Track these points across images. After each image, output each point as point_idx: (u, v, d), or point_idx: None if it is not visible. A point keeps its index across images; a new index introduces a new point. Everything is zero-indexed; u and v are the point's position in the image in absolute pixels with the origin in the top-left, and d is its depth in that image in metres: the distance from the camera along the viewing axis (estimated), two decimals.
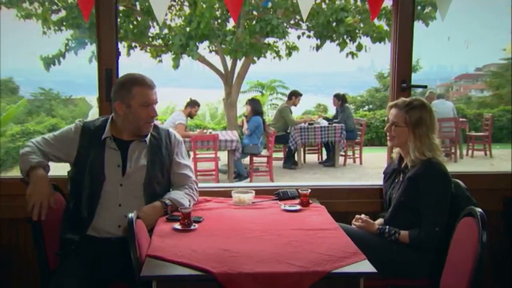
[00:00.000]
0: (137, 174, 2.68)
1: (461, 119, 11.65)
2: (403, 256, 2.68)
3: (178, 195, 2.73)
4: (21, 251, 3.10)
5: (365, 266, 2.05)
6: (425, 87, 3.28)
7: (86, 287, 2.34)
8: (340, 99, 10.31)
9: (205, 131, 8.89)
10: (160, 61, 10.80)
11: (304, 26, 10.36)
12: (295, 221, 2.63)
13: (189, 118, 8.49)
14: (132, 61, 11.36)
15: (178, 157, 2.86)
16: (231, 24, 10.29)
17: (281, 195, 3.05)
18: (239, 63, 10.94)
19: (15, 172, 9.30)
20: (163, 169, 2.78)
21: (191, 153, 7.91)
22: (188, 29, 9.10)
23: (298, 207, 2.86)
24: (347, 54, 10.24)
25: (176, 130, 7.73)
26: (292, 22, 10.61)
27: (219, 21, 9.83)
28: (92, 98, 11.62)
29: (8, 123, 12.48)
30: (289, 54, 11.22)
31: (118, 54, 3.03)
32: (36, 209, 2.37)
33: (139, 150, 2.73)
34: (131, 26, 9.74)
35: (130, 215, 2.21)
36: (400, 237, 2.69)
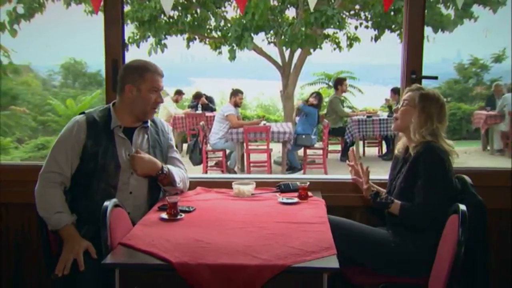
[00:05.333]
0: None
1: None
2: (401, 253, 2.62)
3: (175, 171, 2.82)
4: (33, 235, 3.25)
5: (329, 262, 2.00)
6: (436, 78, 3.15)
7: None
8: (397, 93, 9.94)
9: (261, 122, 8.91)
10: (220, 53, 10.94)
11: (362, 16, 10.12)
12: (285, 214, 2.61)
13: (237, 108, 8.50)
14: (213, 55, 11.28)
15: (172, 142, 2.99)
16: (290, 15, 10.26)
17: (283, 188, 3.03)
18: (296, 55, 10.85)
19: None
20: (162, 154, 2.87)
21: (244, 144, 7.96)
22: (244, 20, 9.15)
23: (296, 200, 2.83)
24: None
25: (229, 121, 7.89)
26: (352, 12, 10.40)
27: (275, 12, 9.77)
28: (169, 90, 12.00)
29: None
30: (350, 45, 11.00)
31: (124, 45, 3.11)
32: (67, 265, 2.37)
33: (142, 137, 2.82)
34: (189, 18, 9.92)
35: (106, 203, 2.28)
36: (392, 205, 2.63)
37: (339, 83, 9.97)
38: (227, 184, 3.09)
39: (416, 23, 3.01)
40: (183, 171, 2.94)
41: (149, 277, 2.04)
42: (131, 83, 2.71)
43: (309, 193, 2.91)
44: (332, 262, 1.99)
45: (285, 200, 2.83)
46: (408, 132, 2.71)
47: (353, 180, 2.86)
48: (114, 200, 2.37)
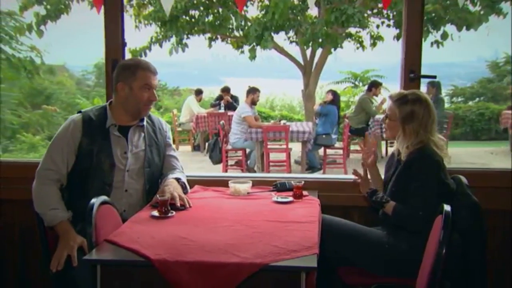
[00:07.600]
0: (138, 158, 2.81)
1: None
2: (396, 254, 2.61)
3: (182, 176, 2.90)
4: (37, 231, 3.30)
5: (307, 261, 1.99)
6: (435, 77, 3.11)
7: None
8: (435, 86, 9.58)
9: (279, 121, 8.90)
10: (242, 52, 10.95)
11: (385, 14, 9.99)
12: (276, 212, 2.61)
13: (253, 106, 8.47)
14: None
15: (170, 141, 3.02)
16: (313, 14, 10.21)
17: (279, 187, 3.03)
18: (318, 54, 10.79)
19: None
20: (159, 153, 2.91)
21: (263, 143, 7.95)
22: (264, 20, 9.16)
23: (290, 199, 2.83)
24: (431, 44, 9.67)
25: (246, 123, 7.88)
26: (375, 11, 10.28)
27: (296, 11, 9.71)
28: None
29: None
30: (373, 44, 10.87)
31: (124, 45, 3.16)
32: (61, 261, 2.45)
33: (138, 135, 2.85)
34: (210, 18, 9.99)
35: (93, 200, 2.31)
36: (386, 206, 2.65)
37: (374, 85, 9.75)
38: (226, 183, 3.10)
39: (414, 21, 2.97)
40: (180, 169, 2.98)
41: (130, 273, 2.06)
42: (122, 81, 2.75)
43: (305, 192, 2.91)
44: (311, 262, 1.98)
45: (279, 199, 2.83)
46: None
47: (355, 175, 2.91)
48: (102, 197, 2.40)
